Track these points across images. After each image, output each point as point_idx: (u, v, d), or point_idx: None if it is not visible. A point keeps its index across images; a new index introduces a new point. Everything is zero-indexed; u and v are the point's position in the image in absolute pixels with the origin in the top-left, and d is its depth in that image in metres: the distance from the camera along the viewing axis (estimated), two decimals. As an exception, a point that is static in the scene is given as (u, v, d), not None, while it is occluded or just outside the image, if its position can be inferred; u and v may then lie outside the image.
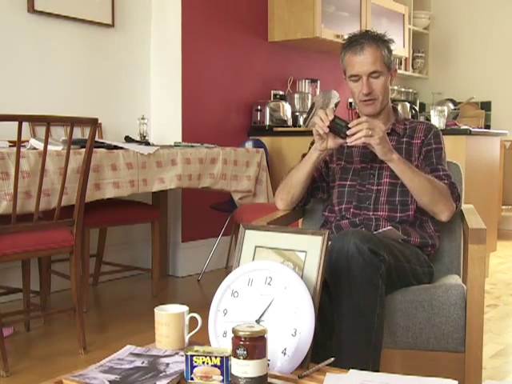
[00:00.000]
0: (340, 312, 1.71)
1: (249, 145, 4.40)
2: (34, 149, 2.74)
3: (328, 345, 1.70)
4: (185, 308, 1.54)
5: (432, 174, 2.03)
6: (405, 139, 2.13)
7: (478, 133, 4.16)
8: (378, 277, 1.71)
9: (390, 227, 1.94)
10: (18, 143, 2.39)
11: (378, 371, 1.60)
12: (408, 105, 5.10)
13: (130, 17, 4.10)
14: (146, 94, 4.25)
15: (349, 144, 1.93)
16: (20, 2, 3.50)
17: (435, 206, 1.99)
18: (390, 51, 2.08)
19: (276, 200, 2.21)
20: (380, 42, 2.06)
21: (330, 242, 1.78)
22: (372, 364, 1.67)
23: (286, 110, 4.65)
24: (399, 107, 4.76)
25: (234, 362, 1.25)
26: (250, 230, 1.60)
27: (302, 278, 1.45)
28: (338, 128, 1.91)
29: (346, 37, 2.14)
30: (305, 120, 4.71)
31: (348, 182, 2.13)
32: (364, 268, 1.69)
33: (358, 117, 2.16)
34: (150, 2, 4.23)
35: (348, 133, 1.89)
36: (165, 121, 4.25)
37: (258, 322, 1.44)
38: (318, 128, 1.93)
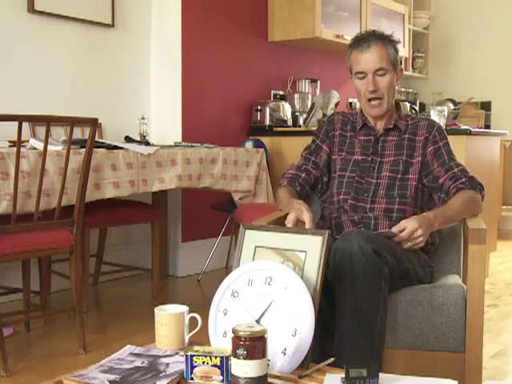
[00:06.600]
0: (342, 312, 1.70)
1: (249, 145, 4.40)
2: (34, 149, 2.73)
3: (326, 345, 1.70)
4: (185, 308, 1.54)
5: (448, 174, 2.06)
6: (407, 135, 2.14)
7: (477, 133, 4.16)
8: (381, 278, 1.71)
9: (387, 230, 1.93)
10: (18, 143, 2.39)
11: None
12: (408, 105, 5.10)
13: (130, 17, 4.10)
14: (145, 94, 4.25)
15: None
16: (20, 2, 3.50)
17: (473, 213, 2.06)
18: (396, 50, 2.10)
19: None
20: (387, 40, 2.08)
21: (334, 242, 1.79)
22: None
23: (286, 109, 4.65)
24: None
25: (234, 361, 1.25)
26: (250, 230, 1.60)
27: (302, 278, 1.45)
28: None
29: (347, 37, 2.15)
30: (305, 120, 4.72)
31: (347, 174, 2.13)
32: (367, 269, 1.69)
33: (362, 115, 2.18)
34: (150, 2, 4.23)
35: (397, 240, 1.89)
36: (165, 121, 4.25)
37: (257, 321, 1.44)
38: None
